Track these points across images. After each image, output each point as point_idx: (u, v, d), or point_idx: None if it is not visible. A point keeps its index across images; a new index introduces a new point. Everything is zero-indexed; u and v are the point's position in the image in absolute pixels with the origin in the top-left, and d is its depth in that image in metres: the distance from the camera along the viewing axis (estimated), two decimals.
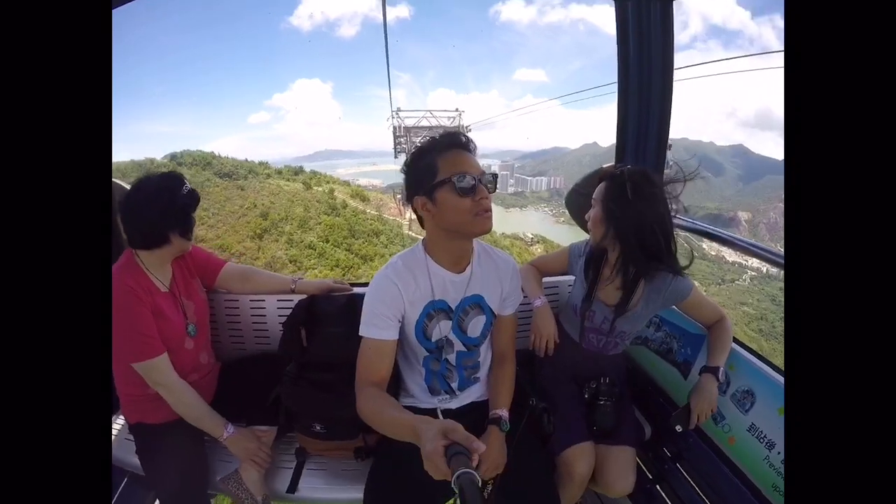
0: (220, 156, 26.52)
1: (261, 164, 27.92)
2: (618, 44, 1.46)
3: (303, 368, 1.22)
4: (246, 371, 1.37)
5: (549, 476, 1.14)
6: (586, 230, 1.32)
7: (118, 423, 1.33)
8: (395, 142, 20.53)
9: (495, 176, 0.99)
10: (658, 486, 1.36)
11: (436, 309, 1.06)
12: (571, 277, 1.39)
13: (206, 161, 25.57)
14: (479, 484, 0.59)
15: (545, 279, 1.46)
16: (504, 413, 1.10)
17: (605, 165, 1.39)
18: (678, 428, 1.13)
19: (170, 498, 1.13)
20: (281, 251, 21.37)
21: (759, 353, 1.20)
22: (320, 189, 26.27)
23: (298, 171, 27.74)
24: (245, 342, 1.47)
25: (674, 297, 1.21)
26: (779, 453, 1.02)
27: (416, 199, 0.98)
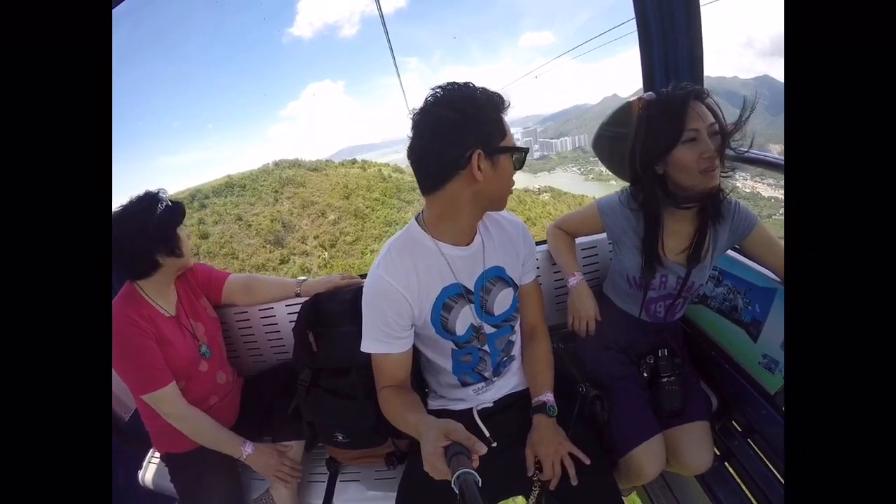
0: (303, 159, 42.70)
1: (327, 161, 43.92)
2: None
3: (316, 375, 1.13)
4: (267, 384, 1.32)
5: (609, 475, 0.97)
6: (623, 176, 1.11)
7: (157, 454, 1.32)
8: None
9: None
10: (727, 464, 1.19)
11: (451, 296, 0.91)
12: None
13: (296, 164, 41.20)
14: (479, 484, 0.59)
15: (578, 240, 1.28)
16: (548, 397, 0.97)
17: (635, 98, 1.15)
18: None
19: None
20: (361, 203, 37.07)
21: None
22: (371, 170, 42.52)
23: (354, 162, 44.25)
24: (264, 355, 1.41)
25: (742, 225, 1.02)
26: None
27: (475, 154, 0.78)
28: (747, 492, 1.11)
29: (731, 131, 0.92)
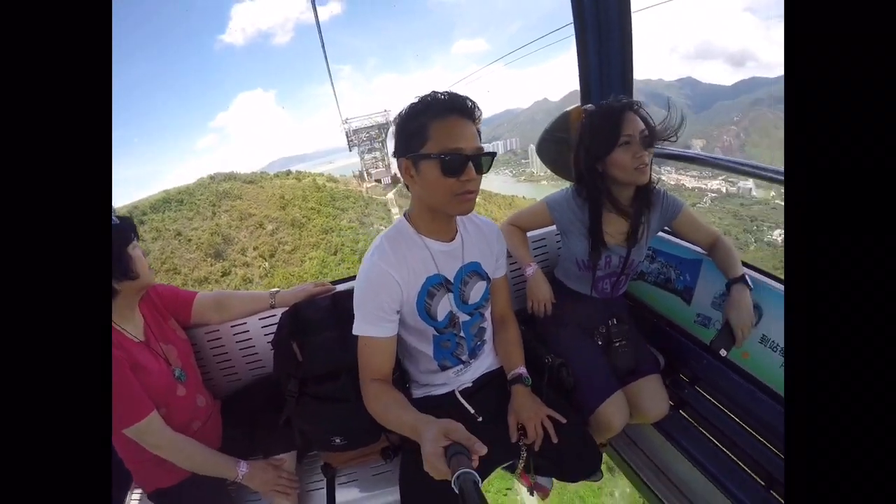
0: (238, 172, 42.42)
1: (262, 173, 43.84)
2: None
3: (303, 384, 1.12)
4: (248, 402, 1.28)
5: (584, 429, 1.12)
6: (566, 177, 1.26)
7: (136, 494, 1.22)
8: (348, 140, 34.86)
9: (493, 155, 0.91)
10: (681, 411, 1.39)
11: (434, 284, 1.00)
12: (555, 228, 1.34)
13: (231, 177, 40.99)
14: (480, 484, 0.59)
15: (528, 234, 1.42)
16: (522, 370, 1.09)
17: (572, 107, 1.34)
18: (723, 352, 1.09)
19: None
20: (298, 213, 37.59)
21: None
22: (306, 181, 43.37)
23: (289, 173, 44.26)
24: (239, 373, 1.36)
25: (670, 210, 1.23)
26: None
27: (402, 161, 0.91)
28: (703, 431, 1.32)
29: (661, 136, 1.12)
